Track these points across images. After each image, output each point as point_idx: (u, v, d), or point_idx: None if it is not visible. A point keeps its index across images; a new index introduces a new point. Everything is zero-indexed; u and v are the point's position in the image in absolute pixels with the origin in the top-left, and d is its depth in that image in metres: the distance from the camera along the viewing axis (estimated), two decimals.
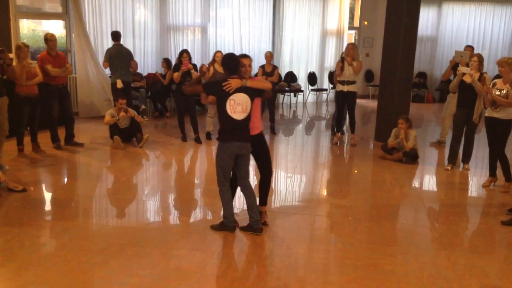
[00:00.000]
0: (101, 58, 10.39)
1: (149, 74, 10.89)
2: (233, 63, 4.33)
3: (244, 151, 4.39)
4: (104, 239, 4.37)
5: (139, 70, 10.84)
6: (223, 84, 4.23)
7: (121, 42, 10.78)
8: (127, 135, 7.96)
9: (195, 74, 8.03)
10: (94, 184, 6.15)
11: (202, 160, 7.59)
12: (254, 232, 4.53)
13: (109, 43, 10.55)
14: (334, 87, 9.40)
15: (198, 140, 8.34)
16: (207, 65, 4.52)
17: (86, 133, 8.84)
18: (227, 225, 4.56)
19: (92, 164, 7.03)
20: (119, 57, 9.05)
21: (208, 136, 8.61)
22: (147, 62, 11.08)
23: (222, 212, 4.64)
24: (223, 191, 4.51)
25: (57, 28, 10.54)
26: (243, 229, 4.60)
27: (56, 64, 7.30)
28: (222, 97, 4.27)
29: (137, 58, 10.87)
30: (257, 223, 4.53)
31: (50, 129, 7.58)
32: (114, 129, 7.81)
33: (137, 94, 10.46)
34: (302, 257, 4.13)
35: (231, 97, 4.25)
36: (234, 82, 4.24)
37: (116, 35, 9.14)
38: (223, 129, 4.34)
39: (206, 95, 4.47)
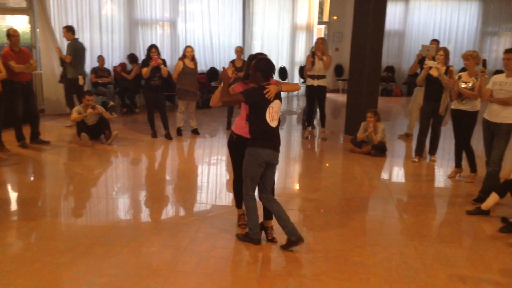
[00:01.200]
0: (66, 53, 10.18)
1: (114, 69, 10.70)
2: (271, 69, 4.04)
3: (275, 161, 4.18)
4: (72, 238, 4.29)
5: (106, 66, 10.65)
6: (264, 92, 3.97)
7: (88, 37, 10.58)
8: (95, 132, 7.81)
9: (164, 70, 7.94)
10: (62, 183, 6.02)
11: (173, 156, 7.52)
12: (297, 243, 4.13)
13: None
14: (304, 82, 9.44)
15: (168, 136, 8.26)
16: (230, 70, 4.16)
17: (52, 130, 8.64)
18: (251, 237, 4.25)
19: (59, 162, 6.88)
20: (81, 52, 8.87)
21: (179, 132, 8.53)
22: (115, 58, 10.88)
23: (247, 223, 4.31)
24: (248, 200, 4.21)
25: (21, 23, 10.26)
26: (284, 247, 4.18)
27: (19, 60, 7.09)
28: (263, 105, 4.02)
29: (104, 53, 10.70)
30: (294, 232, 4.11)
31: (14, 127, 7.36)
32: (82, 126, 7.65)
33: (105, 90, 10.27)
34: (274, 250, 4.15)
35: (271, 104, 4.04)
36: (273, 89, 4.02)
37: (74, 29, 8.93)
38: (258, 136, 4.05)
39: (245, 103, 4.08)
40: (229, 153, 4.46)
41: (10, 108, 7.18)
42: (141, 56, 10.76)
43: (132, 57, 10.55)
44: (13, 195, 5.59)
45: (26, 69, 7.17)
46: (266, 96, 3.97)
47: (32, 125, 7.57)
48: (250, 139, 4.09)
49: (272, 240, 4.31)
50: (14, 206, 5.23)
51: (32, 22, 10.00)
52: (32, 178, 6.27)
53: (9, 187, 5.85)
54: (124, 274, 3.67)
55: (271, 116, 4.06)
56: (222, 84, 4.10)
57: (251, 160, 4.06)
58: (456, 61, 13.49)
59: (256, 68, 4.01)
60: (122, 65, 10.72)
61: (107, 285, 3.50)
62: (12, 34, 7.12)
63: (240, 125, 4.24)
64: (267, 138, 4.07)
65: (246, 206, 4.25)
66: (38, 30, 9.76)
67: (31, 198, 5.37)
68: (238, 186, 4.41)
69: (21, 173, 6.35)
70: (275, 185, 6.07)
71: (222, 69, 4.18)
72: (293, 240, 4.11)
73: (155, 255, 3.99)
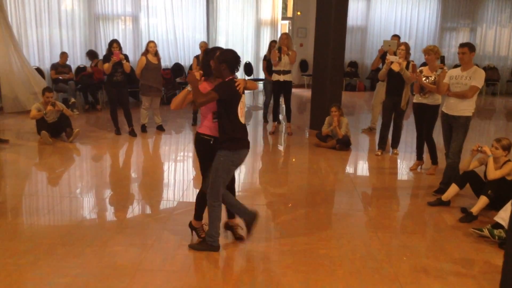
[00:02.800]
0: (25, 49, 9.89)
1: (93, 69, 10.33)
2: (237, 60, 3.81)
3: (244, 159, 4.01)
4: (33, 238, 4.17)
5: (67, 62, 10.38)
6: (236, 85, 3.78)
7: (47, 32, 10.31)
8: (56, 130, 7.60)
9: (127, 65, 7.81)
10: (22, 182, 5.84)
11: (137, 154, 7.41)
12: (211, 249, 4.04)
13: (33, 33, 10.06)
14: (264, 78, 9.51)
15: (132, 133, 8.13)
16: (198, 72, 3.88)
17: (11, 128, 8.37)
18: (212, 244, 3.99)
19: (19, 161, 6.67)
20: None
21: (143, 128, 8.41)
22: (76, 53, 10.63)
23: (207, 231, 4.05)
24: (215, 206, 3.90)
25: None
26: (248, 230, 4.15)
27: None
28: (235, 100, 3.80)
29: (65, 49, 10.44)
30: (248, 211, 4.13)
31: None
32: (42, 124, 7.43)
33: (66, 86, 10.01)
34: (241, 246, 4.15)
35: (242, 99, 3.86)
36: (242, 82, 3.83)
37: None
38: (233, 136, 3.80)
39: (219, 99, 3.74)
40: (202, 158, 4.03)
41: None
42: (102, 51, 10.55)
43: (92, 54, 10.29)
44: None
45: None
46: (238, 89, 3.79)
47: None
48: (223, 140, 3.81)
49: (240, 238, 4.26)
50: None
51: None
52: None
53: None
54: (87, 274, 3.59)
55: (242, 111, 3.88)
56: (189, 88, 3.81)
57: (227, 163, 3.82)
58: (416, 56, 13.83)
59: (220, 60, 3.75)
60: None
61: (70, 286, 3.42)
62: None
63: (214, 126, 3.90)
64: (244, 137, 3.91)
65: (213, 213, 3.92)
66: None
67: None
68: (204, 196, 4.07)
69: None
70: (242, 181, 6.11)
71: (188, 72, 4.00)
72: (248, 219, 4.07)
73: (120, 253, 3.93)
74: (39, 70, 10.08)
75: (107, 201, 5.27)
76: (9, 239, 4.16)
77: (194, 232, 4.28)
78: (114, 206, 5.13)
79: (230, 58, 3.77)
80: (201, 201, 4.12)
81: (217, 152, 3.84)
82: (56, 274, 3.57)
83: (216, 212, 3.92)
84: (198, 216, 4.21)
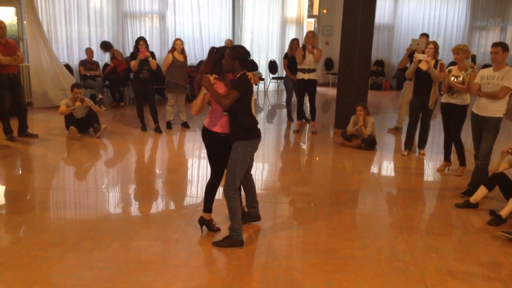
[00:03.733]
0: (54, 46, 10.08)
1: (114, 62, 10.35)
2: (248, 56, 3.93)
3: None
4: (61, 232, 4.25)
5: (95, 59, 10.54)
6: (249, 79, 3.92)
7: (76, 29, 10.48)
8: (84, 125, 7.75)
9: (153, 62, 7.89)
10: (50, 176, 5.96)
11: (162, 150, 7.48)
12: (254, 220, 4.51)
13: (63, 30, 10.25)
14: (285, 76, 9.50)
15: (158, 130, 8.21)
16: (212, 76, 3.90)
17: (40, 123, 8.55)
18: (236, 239, 4.06)
19: (48, 156, 6.81)
20: None
21: (169, 125, 8.49)
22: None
23: (230, 229, 4.11)
24: (235, 198, 4.01)
25: (8, 15, 10.11)
26: (217, 244, 4.13)
27: (6, 52, 7.00)
28: (250, 94, 3.96)
29: (93, 46, 10.60)
30: (257, 211, 4.52)
31: (1, 120, 7.28)
32: (70, 119, 7.57)
33: (94, 83, 10.18)
34: (264, 244, 4.15)
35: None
36: (252, 75, 3.98)
37: None
38: (250, 127, 3.96)
39: (240, 96, 3.85)
40: (214, 153, 4.13)
41: None
42: (130, 49, 10.68)
43: (105, 45, 10.24)
44: (1, 189, 5.52)
45: (13, 61, 7.07)
46: (252, 82, 3.95)
47: (20, 118, 7.49)
48: (240, 132, 3.92)
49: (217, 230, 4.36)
50: (2, 200, 5.18)
51: (19, 14, 9.87)
52: (20, 172, 6.20)
53: None
54: (113, 268, 3.64)
55: (254, 104, 4.03)
56: (205, 91, 3.90)
57: (245, 154, 3.96)
58: (445, 55, 13.60)
59: (233, 57, 3.86)
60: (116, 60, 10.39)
61: (96, 279, 3.48)
62: None
63: (224, 122, 4.00)
64: (256, 127, 4.06)
65: (233, 205, 4.00)
66: (25, 22, 9.63)
67: (20, 192, 5.32)
68: (214, 188, 4.25)
69: (9, 167, 6.28)
70: (265, 179, 6.11)
71: (200, 76, 3.92)
72: (253, 216, 4.45)
73: (145, 248, 3.97)
74: (67, 67, 10.26)
75: (132, 197, 5.34)
76: (38, 232, 4.25)
77: (204, 226, 4.33)
78: (139, 202, 5.19)
79: (241, 54, 3.88)
80: (210, 192, 4.25)
81: (234, 144, 3.96)
82: (83, 267, 3.64)
83: (236, 203, 4.02)
84: (208, 208, 4.28)
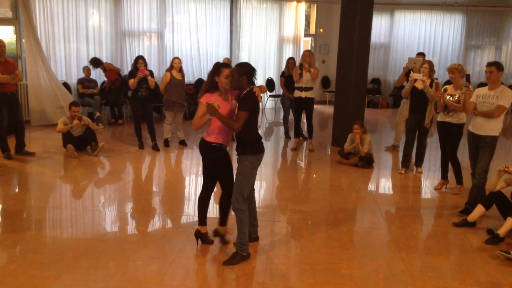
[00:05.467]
0: (53, 64, 10.13)
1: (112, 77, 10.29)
2: (254, 71, 4.02)
3: None
4: (57, 251, 4.22)
5: (93, 77, 10.59)
6: (256, 95, 3.99)
7: (75, 48, 10.54)
8: (81, 143, 7.74)
9: (151, 81, 7.93)
10: (47, 195, 5.94)
11: (160, 168, 7.47)
12: (252, 241, 4.45)
13: (61, 48, 10.31)
14: (282, 94, 9.56)
15: (155, 148, 8.22)
16: (216, 103, 3.96)
17: (38, 141, 8.55)
18: (243, 254, 4.12)
19: (45, 174, 6.79)
20: None
21: (166, 143, 8.50)
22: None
23: (237, 240, 4.14)
24: (244, 211, 4.07)
25: (7, 33, 10.18)
26: (227, 262, 4.14)
27: (4, 70, 7.02)
28: (257, 109, 4.04)
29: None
30: (256, 231, 4.55)
31: None
32: (67, 137, 7.57)
33: (92, 101, 10.20)
34: (261, 263, 4.13)
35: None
36: (258, 89, 4.05)
37: None
38: (254, 141, 4.05)
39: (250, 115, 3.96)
40: (205, 163, 4.29)
41: None
42: (128, 67, 10.74)
43: (95, 61, 10.11)
44: None
45: (11, 79, 7.10)
46: (258, 99, 4.01)
47: (17, 136, 7.48)
48: (245, 145, 4.04)
49: (227, 242, 4.50)
50: None
51: (18, 33, 9.94)
52: (16, 190, 6.18)
53: None
54: None
55: (259, 118, 4.08)
56: (208, 116, 4.00)
57: (251, 168, 4.05)
58: (440, 74, 13.71)
59: (240, 73, 3.94)
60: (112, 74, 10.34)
61: None
62: None
63: (216, 132, 4.12)
64: (260, 141, 4.13)
65: (242, 219, 4.06)
66: (23, 40, 9.70)
67: (16, 210, 5.29)
68: (205, 200, 4.41)
69: (5, 185, 6.26)
70: (262, 197, 6.10)
71: (200, 103, 4.06)
72: (253, 237, 4.46)
73: (142, 268, 3.95)
74: (66, 85, 10.30)
75: (129, 215, 5.32)
76: (34, 251, 4.22)
77: (200, 240, 4.44)
78: (136, 220, 5.17)
79: (249, 70, 3.97)
80: (201, 204, 4.38)
81: (239, 157, 4.06)
82: (79, 287, 3.60)
83: (245, 216, 4.08)
84: (202, 221, 4.41)
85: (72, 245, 4.39)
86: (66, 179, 6.77)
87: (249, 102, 3.94)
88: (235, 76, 3.96)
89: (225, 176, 4.31)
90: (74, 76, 10.59)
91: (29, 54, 9.56)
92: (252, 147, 4.04)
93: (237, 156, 4.10)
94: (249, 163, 4.03)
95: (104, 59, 10.76)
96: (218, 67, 4.11)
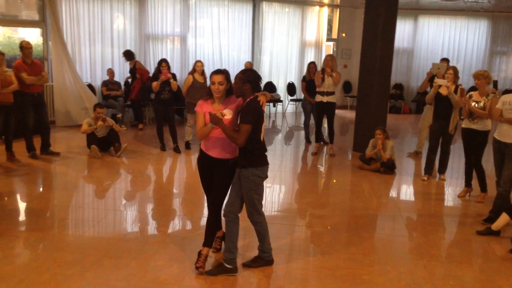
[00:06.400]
0: (78, 66, 10.30)
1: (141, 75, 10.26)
2: (259, 79, 3.86)
3: None
4: (80, 250, 4.29)
5: (117, 79, 10.74)
6: (260, 104, 3.79)
7: (100, 50, 10.69)
8: (105, 144, 7.86)
9: (174, 84, 8.01)
10: (70, 194, 6.04)
11: (181, 170, 7.53)
12: (267, 264, 4.12)
13: (86, 51, 10.49)
14: (303, 99, 9.54)
15: (177, 150, 8.28)
16: (218, 112, 3.82)
17: (62, 142, 8.70)
18: (268, 259, 4.10)
19: (69, 174, 6.91)
20: None
21: (187, 145, 8.56)
22: (125, 71, 10.96)
23: (260, 250, 4.09)
24: (261, 222, 3.99)
25: (33, 35, 10.40)
26: (248, 265, 4.10)
27: (31, 72, 7.18)
28: (261, 119, 3.82)
29: (115, 67, 10.80)
30: (269, 254, 4.14)
31: (25, 138, 7.43)
32: (92, 138, 7.70)
33: (115, 103, 10.35)
34: (281, 267, 4.12)
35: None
36: (263, 97, 3.83)
37: None
38: (259, 153, 3.85)
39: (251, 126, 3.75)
40: (224, 181, 3.98)
41: (21, 119, 7.26)
42: (151, 70, 10.86)
43: (129, 54, 10.24)
44: (22, 206, 5.62)
45: (37, 81, 7.25)
46: (263, 107, 3.80)
47: (42, 136, 7.63)
48: (247, 157, 3.82)
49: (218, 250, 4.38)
50: (22, 217, 5.26)
51: (45, 35, 10.14)
52: (41, 189, 6.30)
53: (18, 197, 5.89)
54: (131, 287, 3.65)
55: (263, 128, 3.89)
56: (211, 125, 3.79)
57: (257, 180, 3.84)
58: (464, 80, 13.51)
59: (244, 80, 3.74)
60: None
61: None
62: (25, 46, 7.22)
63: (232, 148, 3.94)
64: (264, 154, 3.93)
65: (261, 230, 4.00)
66: (50, 42, 9.89)
67: (40, 209, 5.39)
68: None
69: (30, 184, 6.39)
70: (282, 201, 6.10)
71: (204, 113, 3.88)
72: (265, 259, 4.11)
73: (163, 268, 3.98)
74: (90, 87, 10.47)
75: (150, 216, 5.37)
76: (57, 249, 4.29)
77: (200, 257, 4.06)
78: (157, 221, 5.22)
79: (253, 78, 3.78)
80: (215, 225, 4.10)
81: (242, 172, 3.83)
82: (102, 286, 3.66)
83: (263, 226, 4.01)
84: (210, 242, 4.09)
85: (95, 244, 4.45)
86: (89, 179, 6.87)
87: (250, 113, 3.71)
88: (238, 83, 3.77)
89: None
90: (98, 78, 10.76)
91: (55, 56, 9.75)
92: (255, 160, 3.81)
93: (239, 170, 3.87)
94: (253, 178, 3.81)
95: (128, 62, 10.90)
96: (211, 74, 3.94)
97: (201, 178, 4.21)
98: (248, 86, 3.77)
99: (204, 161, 4.10)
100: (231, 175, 3.98)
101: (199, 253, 4.04)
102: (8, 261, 4.04)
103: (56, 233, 4.74)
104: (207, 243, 4.04)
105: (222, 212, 4.02)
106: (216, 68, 12.17)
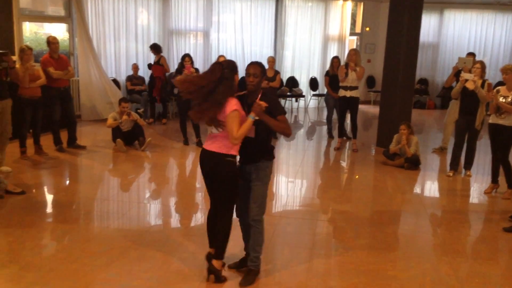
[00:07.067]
0: (103, 61, 10.44)
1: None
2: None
3: None
4: (106, 241, 4.37)
5: (141, 74, 10.85)
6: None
7: (124, 45, 10.78)
8: (130, 138, 7.96)
9: None
10: (96, 187, 6.15)
11: None
12: (256, 275, 3.80)
13: (111, 46, 10.62)
14: (326, 93, 9.50)
15: (199, 144, 8.32)
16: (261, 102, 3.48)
17: (88, 136, 8.85)
18: (258, 269, 3.81)
19: (94, 167, 7.03)
20: None
21: None
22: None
23: (251, 259, 3.78)
24: (263, 222, 3.73)
25: (59, 31, 10.57)
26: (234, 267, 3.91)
27: (58, 67, 7.31)
28: None
29: (139, 61, 10.91)
30: (259, 263, 3.82)
31: (52, 132, 7.58)
32: (117, 132, 7.81)
33: (139, 97, 10.46)
34: (303, 261, 4.12)
35: None
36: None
37: None
38: (270, 147, 3.74)
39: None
40: (234, 186, 3.61)
41: (48, 113, 7.40)
42: (174, 65, 10.96)
43: (156, 47, 10.11)
44: (49, 198, 5.74)
45: (64, 75, 7.38)
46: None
47: (69, 130, 7.77)
48: (266, 152, 3.67)
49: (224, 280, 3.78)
50: (49, 209, 5.39)
51: (71, 30, 10.30)
52: (67, 182, 6.43)
53: (46, 190, 6.03)
54: (157, 278, 3.72)
55: None
56: (251, 117, 3.45)
57: (269, 173, 3.70)
58: (491, 75, 13.23)
59: (263, 73, 3.61)
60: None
61: None
62: (52, 42, 7.35)
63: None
64: None
65: (263, 230, 3.74)
66: (76, 38, 10.05)
67: (66, 201, 5.51)
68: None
69: (57, 176, 6.53)
70: (304, 196, 6.10)
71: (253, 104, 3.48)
72: (258, 269, 3.79)
73: (188, 260, 4.02)
74: (115, 81, 10.60)
75: (174, 209, 5.44)
76: (84, 241, 4.38)
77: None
78: (180, 214, 5.28)
79: (265, 71, 3.71)
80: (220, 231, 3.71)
81: (258, 165, 3.63)
82: (128, 277, 3.73)
83: (263, 227, 3.75)
84: (218, 251, 3.72)
85: (121, 236, 4.52)
86: (114, 172, 6.99)
87: (279, 104, 3.66)
88: (259, 77, 3.57)
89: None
90: (123, 73, 10.88)
91: (81, 51, 9.91)
92: (271, 153, 3.71)
93: (253, 164, 3.64)
94: (269, 170, 3.68)
95: (152, 57, 10.99)
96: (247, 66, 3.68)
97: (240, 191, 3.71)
98: (263, 79, 3.70)
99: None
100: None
101: (212, 270, 3.68)
102: (37, 251, 4.15)
103: (82, 225, 4.83)
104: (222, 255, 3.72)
105: (251, 220, 3.66)
106: (238, 63, 12.22)
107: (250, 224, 3.67)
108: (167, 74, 10.20)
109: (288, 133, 3.61)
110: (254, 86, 3.57)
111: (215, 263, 3.67)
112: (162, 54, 10.27)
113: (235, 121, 3.45)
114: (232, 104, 3.47)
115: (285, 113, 3.62)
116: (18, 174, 6.27)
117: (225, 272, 3.78)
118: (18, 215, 4.97)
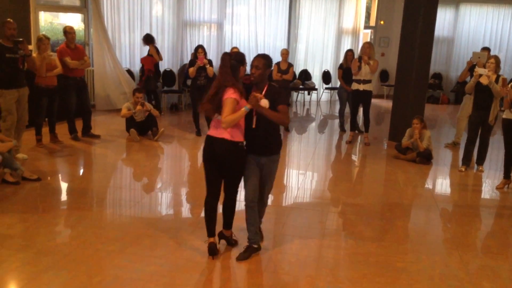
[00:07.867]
0: (118, 52, 10.52)
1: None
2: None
3: None
4: (120, 228, 4.45)
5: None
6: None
7: (139, 36, 10.82)
8: (143, 128, 8.05)
9: (210, 69, 8.11)
10: (110, 175, 6.25)
11: None
12: (255, 251, 4.06)
13: (126, 37, 10.70)
14: (339, 86, 9.50)
15: None
16: (257, 94, 3.67)
17: (102, 125, 8.96)
18: (257, 247, 4.06)
19: (108, 156, 7.13)
20: None
21: None
22: (163, 57, 11.13)
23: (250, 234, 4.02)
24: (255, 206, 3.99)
25: (74, 21, 10.66)
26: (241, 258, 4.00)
27: (74, 56, 7.40)
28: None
29: None
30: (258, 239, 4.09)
31: (67, 121, 7.68)
32: (130, 122, 7.90)
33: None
34: (313, 252, 4.17)
35: None
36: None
37: None
38: (280, 139, 4.00)
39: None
40: (240, 167, 3.85)
41: (64, 102, 7.51)
42: (188, 56, 11.02)
43: (147, 38, 10.01)
44: (64, 185, 5.84)
45: (80, 65, 7.47)
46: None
47: (84, 119, 7.87)
48: (277, 145, 3.92)
49: (235, 244, 4.18)
50: (64, 196, 5.49)
51: (86, 21, 10.38)
52: (82, 170, 6.54)
53: (60, 177, 6.13)
54: (170, 264, 3.79)
55: None
56: (245, 108, 3.63)
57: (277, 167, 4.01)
58: (506, 70, 13.11)
59: (268, 65, 3.75)
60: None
61: (155, 274, 3.63)
62: (68, 31, 7.44)
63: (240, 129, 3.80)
64: None
65: (264, 209, 4.19)
66: (91, 28, 10.14)
67: (81, 189, 5.61)
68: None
69: (72, 164, 6.63)
70: (315, 188, 6.13)
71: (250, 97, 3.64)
72: (257, 247, 4.02)
73: (200, 248, 4.08)
74: (129, 72, 10.69)
75: (185, 198, 5.51)
76: (99, 227, 4.47)
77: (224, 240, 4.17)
78: (191, 204, 5.35)
79: (271, 62, 3.85)
80: (230, 209, 4.09)
81: (271, 158, 3.87)
82: (142, 262, 3.80)
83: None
84: (229, 224, 4.13)
85: (134, 223, 4.61)
86: (127, 161, 7.08)
87: (284, 95, 3.80)
88: (262, 68, 3.70)
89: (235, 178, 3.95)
90: (137, 64, 10.96)
91: (96, 42, 10.00)
92: (280, 145, 3.96)
93: (265, 157, 3.84)
94: (278, 162, 3.97)
95: (166, 48, 11.07)
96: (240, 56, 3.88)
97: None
98: (269, 71, 3.83)
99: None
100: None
101: (223, 235, 4.14)
102: (52, 237, 4.24)
103: (96, 212, 4.93)
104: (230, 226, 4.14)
105: (246, 201, 3.91)
106: (251, 55, 12.22)
107: (250, 205, 3.90)
108: (167, 73, 10.13)
109: (285, 123, 3.81)
110: (255, 77, 3.74)
111: (225, 231, 4.12)
112: (155, 44, 10.08)
113: (229, 106, 3.63)
114: (230, 93, 3.66)
115: (287, 104, 3.76)
116: (34, 161, 6.39)
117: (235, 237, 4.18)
118: (34, 201, 5.08)
